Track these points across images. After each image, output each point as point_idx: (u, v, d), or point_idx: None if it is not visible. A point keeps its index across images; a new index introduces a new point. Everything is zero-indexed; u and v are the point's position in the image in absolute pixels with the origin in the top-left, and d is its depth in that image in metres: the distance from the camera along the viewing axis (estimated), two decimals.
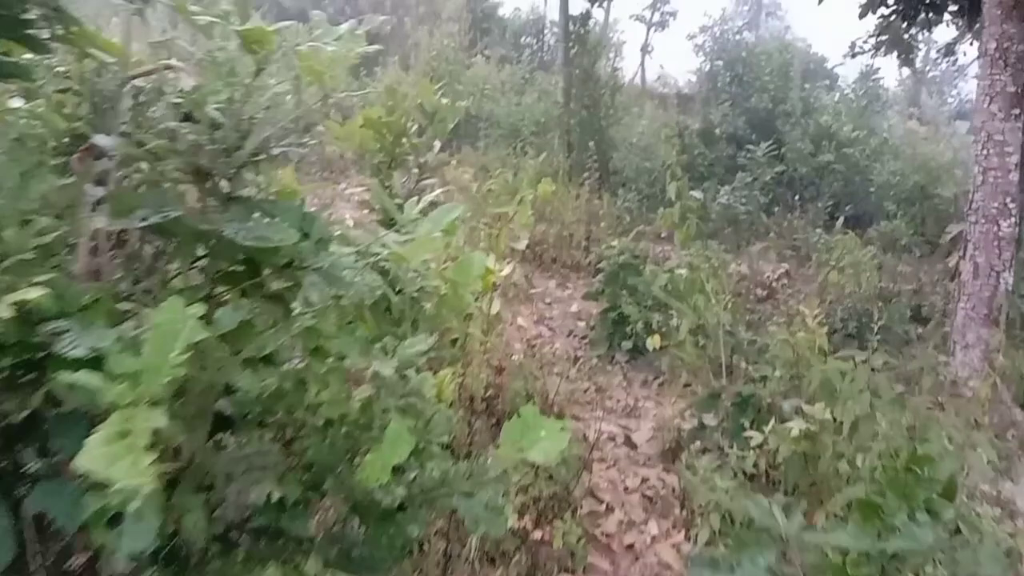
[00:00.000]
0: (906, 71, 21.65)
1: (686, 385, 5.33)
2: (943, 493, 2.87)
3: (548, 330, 7.17)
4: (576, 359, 6.36)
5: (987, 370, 5.23)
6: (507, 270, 4.63)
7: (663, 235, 9.99)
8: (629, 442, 4.88)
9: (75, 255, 2.11)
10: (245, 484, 1.89)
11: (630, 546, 3.77)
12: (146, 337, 1.57)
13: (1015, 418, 4.92)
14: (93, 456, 1.40)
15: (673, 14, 32.91)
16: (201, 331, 1.58)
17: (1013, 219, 5.69)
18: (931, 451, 2.91)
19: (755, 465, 3.90)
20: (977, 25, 9.96)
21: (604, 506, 4.07)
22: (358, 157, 5.89)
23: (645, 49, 32.37)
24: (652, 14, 32.64)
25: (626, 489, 4.27)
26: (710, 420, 4.46)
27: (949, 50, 12.80)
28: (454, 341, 3.86)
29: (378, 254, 2.51)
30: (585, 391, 5.62)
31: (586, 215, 10.21)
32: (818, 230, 11.68)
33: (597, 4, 16.47)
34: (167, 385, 1.53)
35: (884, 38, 11.93)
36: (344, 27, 1.92)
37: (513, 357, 5.16)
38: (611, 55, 17.67)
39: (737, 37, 23.54)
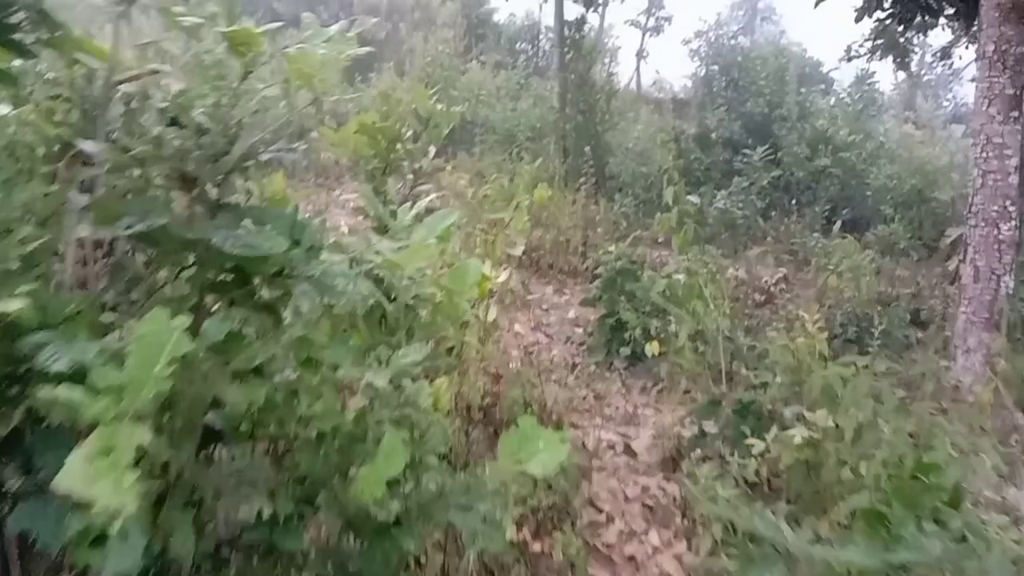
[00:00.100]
0: (901, 75, 21.66)
1: (685, 392, 5.28)
2: (949, 501, 2.83)
3: (545, 337, 7.11)
4: (574, 366, 6.29)
5: (989, 375, 5.18)
6: (503, 276, 4.58)
7: (660, 240, 9.96)
8: (629, 450, 4.81)
9: (63, 264, 2.06)
10: (235, 500, 1.83)
11: (631, 557, 3.71)
12: (130, 350, 1.51)
13: (1018, 423, 4.86)
14: (74, 475, 1.35)
15: (668, 19, 32.95)
16: (187, 343, 1.52)
17: (1013, 222, 5.64)
18: (936, 458, 2.87)
19: (757, 473, 3.85)
20: (974, 28, 9.96)
21: (604, 516, 4.00)
22: (353, 163, 5.85)
23: (640, 54, 32.38)
24: (647, 19, 32.66)
25: (626, 498, 4.21)
26: (710, 427, 4.41)
27: (945, 53, 12.79)
28: (450, 349, 3.80)
29: (372, 262, 2.46)
30: (583, 398, 5.56)
31: (583, 220, 10.15)
32: (815, 234, 11.63)
33: (592, 9, 16.48)
34: (152, 400, 1.48)
35: (880, 42, 11.91)
36: (334, 29, 1.86)
37: (510, 364, 5.11)
38: (606, 60, 17.64)
39: (732, 42, 23.51)
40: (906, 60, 12.56)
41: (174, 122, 1.85)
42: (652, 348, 5.80)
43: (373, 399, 2.20)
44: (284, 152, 2.05)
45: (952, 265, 7.61)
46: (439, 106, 5.79)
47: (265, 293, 1.97)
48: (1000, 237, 5.65)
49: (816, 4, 10.70)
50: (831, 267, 8.65)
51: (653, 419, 5.35)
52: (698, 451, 4.29)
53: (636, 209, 12.37)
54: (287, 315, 1.95)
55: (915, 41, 12.56)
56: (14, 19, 1.91)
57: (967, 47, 12.01)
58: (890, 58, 12.43)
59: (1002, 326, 5.65)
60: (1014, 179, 5.62)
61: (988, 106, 5.68)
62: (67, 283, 2.04)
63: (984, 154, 5.71)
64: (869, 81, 17.12)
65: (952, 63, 14.73)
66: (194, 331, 1.77)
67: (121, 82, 2.17)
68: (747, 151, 13.68)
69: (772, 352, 4.75)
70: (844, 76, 20.05)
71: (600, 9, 22.27)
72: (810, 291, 9.03)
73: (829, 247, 9.66)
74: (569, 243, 9.68)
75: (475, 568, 3.08)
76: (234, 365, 1.79)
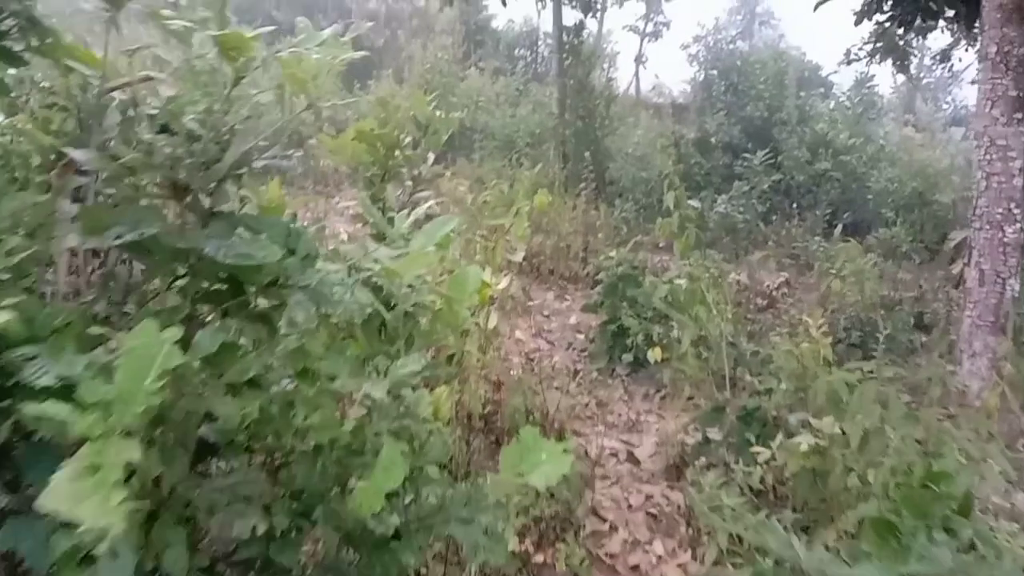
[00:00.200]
0: (900, 78, 21.62)
1: (689, 398, 5.23)
2: (959, 510, 2.78)
3: (547, 343, 7.06)
4: (576, 372, 6.25)
5: (995, 379, 5.12)
6: (504, 283, 4.53)
7: (661, 245, 9.91)
8: (632, 458, 4.77)
9: (56, 274, 2.02)
10: (229, 516, 1.78)
11: (635, 567, 3.65)
12: (119, 363, 1.47)
13: None
14: (59, 494, 1.30)
15: (667, 24, 32.97)
16: (178, 356, 1.47)
17: (1018, 224, 5.59)
18: (946, 466, 2.82)
19: (762, 481, 3.80)
20: (974, 30, 9.92)
21: (607, 525, 3.95)
22: (352, 170, 5.81)
23: (639, 59, 32.40)
24: (646, 24, 32.68)
25: (630, 507, 4.16)
26: (715, 434, 4.36)
27: (945, 56, 12.76)
28: (450, 357, 3.75)
29: (370, 270, 2.41)
30: (586, 405, 5.52)
31: (583, 226, 10.12)
32: (816, 238, 11.60)
33: (591, 15, 16.46)
34: (142, 414, 1.43)
35: (879, 45, 11.88)
36: (327, 32, 1.81)
37: (512, 372, 5.07)
38: (605, 65, 17.65)
39: (731, 46, 23.57)
40: (905, 63, 12.51)
41: (165, 129, 1.80)
42: (654, 354, 5.75)
43: (371, 410, 2.15)
44: (279, 159, 2.00)
45: (956, 268, 7.56)
46: (438, 112, 5.76)
47: (260, 303, 1.93)
48: (1005, 240, 5.61)
49: (816, 7, 10.67)
50: (833, 271, 8.61)
51: (656, 426, 5.31)
52: (702, 459, 4.24)
53: (637, 214, 12.34)
54: (283, 325, 1.90)
55: (914, 44, 12.52)
56: (3, 26, 1.88)
57: (967, 49, 11.98)
58: (889, 61, 12.38)
59: (1008, 330, 5.59)
60: (1018, 181, 5.57)
61: (991, 108, 5.63)
62: (59, 293, 2.00)
63: (988, 156, 5.66)
64: (868, 84, 17.11)
65: (952, 66, 14.72)
66: (186, 342, 1.72)
67: (113, 89, 2.13)
68: (747, 155, 13.65)
69: (776, 357, 4.71)
70: (843, 80, 20.07)
71: (598, 15, 22.29)
72: (812, 295, 8.99)
73: (832, 251, 9.62)
74: (570, 249, 9.64)
75: None
76: (227, 377, 1.74)
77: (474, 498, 2.24)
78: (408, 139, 5.04)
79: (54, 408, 1.38)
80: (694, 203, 7.69)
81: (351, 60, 1.96)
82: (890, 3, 10.41)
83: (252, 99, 1.84)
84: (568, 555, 3.43)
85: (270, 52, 1.83)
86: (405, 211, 2.76)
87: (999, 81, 5.58)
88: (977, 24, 7.24)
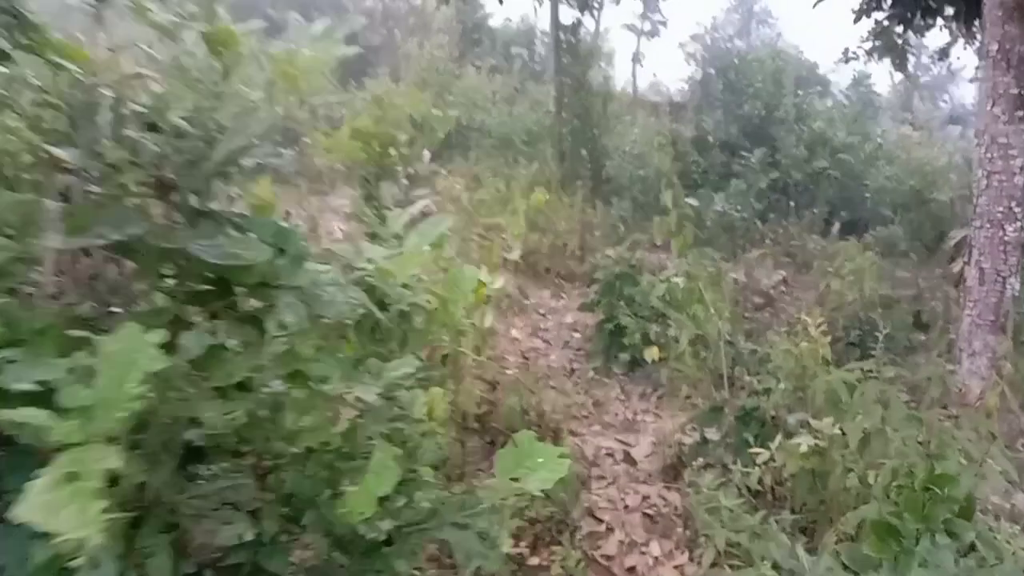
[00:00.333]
0: (898, 76, 21.61)
1: (686, 398, 5.19)
2: (961, 512, 2.74)
3: (543, 342, 7.01)
4: (572, 372, 6.22)
5: (995, 378, 5.08)
6: (500, 282, 4.49)
7: (658, 243, 9.84)
8: (628, 458, 4.73)
9: (42, 274, 1.97)
10: (215, 523, 1.74)
11: (631, 569, 3.62)
12: (101, 367, 1.42)
13: None
14: (35, 505, 1.25)
15: (664, 23, 32.91)
16: (161, 360, 1.43)
17: (1019, 223, 5.55)
18: (948, 469, 2.78)
19: (760, 481, 3.76)
20: (973, 28, 9.89)
21: (604, 526, 3.92)
22: (347, 168, 5.76)
23: (636, 58, 32.33)
24: (643, 23, 32.62)
25: (626, 508, 4.12)
26: (712, 435, 4.32)
27: (943, 54, 12.70)
28: (445, 357, 3.71)
29: (363, 269, 2.37)
30: (582, 405, 5.47)
31: (580, 224, 10.06)
32: (814, 236, 11.57)
33: (588, 13, 16.41)
34: (123, 420, 1.39)
35: (878, 43, 11.83)
36: (318, 27, 1.77)
37: (507, 371, 5.02)
38: (602, 64, 17.58)
39: (728, 45, 23.54)
40: (904, 61, 12.47)
41: (152, 127, 1.76)
42: (651, 353, 5.71)
43: (363, 413, 2.11)
44: (270, 157, 1.95)
45: (956, 267, 7.52)
46: (434, 111, 5.72)
47: (250, 303, 1.88)
48: (1005, 238, 5.57)
49: (815, 4, 10.64)
50: (831, 270, 8.57)
51: (653, 426, 5.27)
52: (700, 459, 4.20)
53: (634, 212, 12.28)
54: (272, 327, 1.86)
55: (912, 42, 12.48)
56: None
57: (965, 47, 11.94)
58: (887, 59, 12.34)
59: (1008, 329, 5.56)
60: (1019, 180, 5.53)
61: (992, 106, 5.59)
62: (45, 293, 1.95)
63: (989, 155, 5.62)
64: (866, 83, 17.08)
65: (950, 64, 14.69)
66: (173, 345, 1.68)
67: (100, 86, 2.08)
68: (745, 153, 13.61)
69: (774, 356, 4.67)
70: (840, 79, 20.06)
71: (596, 13, 22.21)
72: (810, 294, 8.95)
73: (830, 250, 9.59)
74: (566, 247, 9.59)
75: None
76: (214, 381, 1.70)
77: (468, 503, 2.20)
78: (404, 137, 5.00)
79: (32, 413, 1.34)
80: (692, 201, 7.66)
81: (346, 58, 1.92)
82: (890, 1, 10.38)
83: (241, 96, 1.79)
84: (564, 557, 3.39)
85: (260, 48, 1.79)
86: (398, 210, 2.72)
87: (1000, 79, 5.53)
88: (977, 22, 7.19)
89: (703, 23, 34.40)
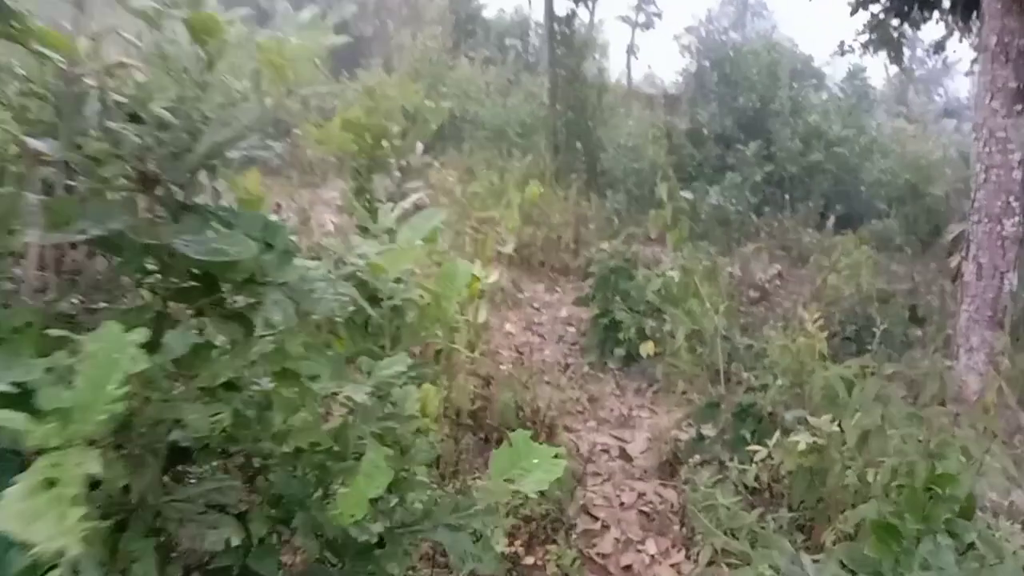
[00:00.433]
0: (893, 69, 21.59)
1: (682, 393, 5.15)
2: (961, 512, 2.71)
3: (537, 337, 6.97)
4: (567, 367, 6.17)
5: (992, 374, 5.05)
6: (494, 276, 4.44)
7: (653, 236, 9.80)
8: (624, 454, 4.69)
9: (26, 269, 1.91)
10: (201, 527, 1.69)
11: (627, 567, 3.58)
12: (80, 368, 1.36)
13: (1022, 423, 4.75)
14: (11, 513, 1.20)
15: (659, 14, 32.85)
16: (143, 360, 1.37)
17: (1017, 218, 5.51)
18: (949, 468, 2.75)
19: (757, 479, 3.72)
20: (970, 21, 9.84)
21: (599, 524, 3.87)
22: (339, 160, 5.71)
23: (631, 50, 32.26)
24: (637, 14, 32.55)
25: (622, 505, 4.08)
26: (709, 431, 4.28)
27: (939, 47, 12.66)
28: (438, 353, 3.66)
29: (354, 265, 2.32)
30: (576, 400, 5.43)
31: (574, 217, 10.01)
32: (809, 230, 11.54)
33: (582, 4, 16.33)
34: (104, 422, 1.33)
35: (874, 36, 11.79)
36: (306, 14, 1.71)
37: (502, 367, 4.97)
38: (597, 55, 17.51)
39: (723, 37, 23.48)
40: (899, 55, 12.44)
41: (134, 117, 1.70)
42: (647, 348, 5.67)
43: (354, 412, 2.06)
44: (257, 149, 1.89)
45: (954, 262, 7.48)
46: (427, 102, 5.65)
47: (237, 300, 1.83)
48: (1003, 233, 5.53)
49: None
50: (827, 264, 8.54)
51: (648, 422, 5.23)
52: (696, 456, 4.16)
53: (628, 205, 12.24)
54: (260, 324, 1.80)
55: (907, 35, 12.44)
56: None
57: (961, 40, 11.90)
58: (883, 53, 12.30)
59: (1005, 324, 5.52)
60: (1017, 174, 5.49)
61: (991, 100, 5.55)
62: (28, 288, 1.89)
63: (987, 149, 5.58)
64: (861, 76, 17.05)
65: (946, 57, 14.67)
66: (156, 344, 1.62)
67: (80, 75, 2.01)
68: (740, 146, 13.57)
69: (771, 352, 4.63)
70: (835, 71, 20.01)
71: (590, 4, 22.12)
72: (805, 288, 8.92)
73: (826, 244, 9.56)
74: (561, 240, 9.54)
75: None
76: (200, 381, 1.64)
77: (462, 504, 2.15)
78: (396, 129, 4.94)
79: (8, 416, 1.28)
80: (686, 194, 7.62)
81: (338, 48, 1.86)
82: None
83: (227, 86, 1.73)
84: (559, 556, 3.35)
85: (247, 36, 1.72)
86: (390, 204, 2.66)
87: (999, 72, 5.49)
88: (974, 15, 7.14)
89: (698, 15, 34.45)
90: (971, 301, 5.65)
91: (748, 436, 3.96)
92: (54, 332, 1.54)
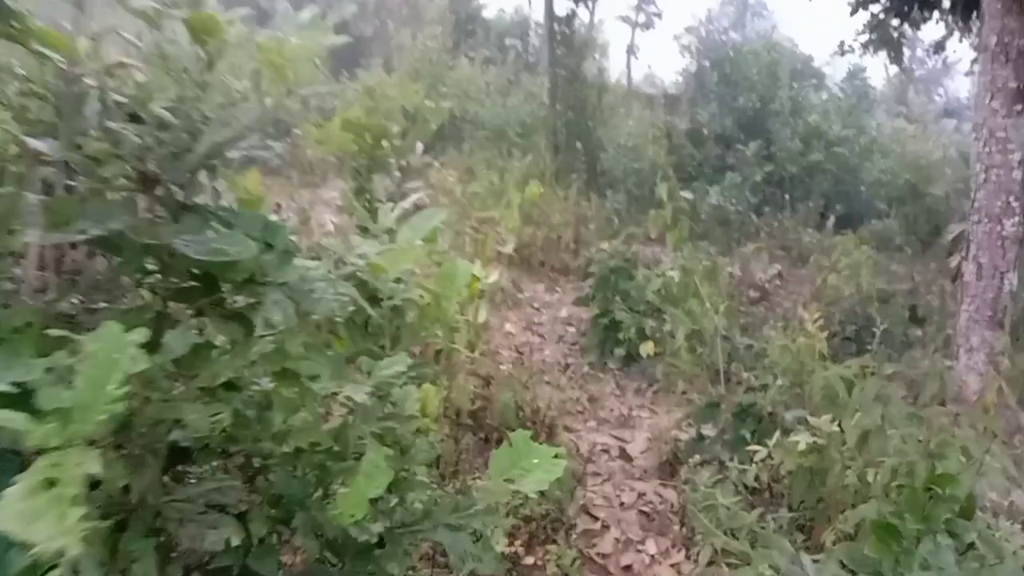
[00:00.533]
0: (893, 69, 21.58)
1: (682, 393, 5.15)
2: (961, 512, 2.71)
3: (537, 337, 6.96)
4: (567, 366, 6.17)
5: (992, 374, 5.05)
6: (494, 276, 4.44)
7: (653, 236, 9.80)
8: (624, 454, 4.68)
9: (25, 269, 1.91)
10: (201, 527, 1.69)
11: (628, 567, 3.58)
12: (80, 368, 1.36)
13: (1022, 423, 4.75)
14: (11, 513, 1.20)
15: (659, 14, 32.84)
16: (143, 360, 1.37)
17: (1017, 218, 5.51)
18: (950, 468, 2.75)
19: (757, 479, 3.72)
20: (970, 21, 9.84)
21: (599, 524, 3.87)
22: (340, 160, 5.71)
23: (631, 50, 32.25)
24: (637, 14, 32.54)
25: (622, 505, 4.08)
26: (709, 431, 4.28)
27: (939, 47, 12.66)
28: (438, 353, 3.66)
29: (354, 265, 2.32)
30: (576, 400, 5.42)
31: (574, 217, 10.01)
32: (809, 230, 11.54)
33: (582, 4, 16.32)
34: (104, 422, 1.33)
35: (874, 36, 11.78)
36: (306, 14, 1.71)
37: (501, 366, 4.97)
38: (597, 55, 17.50)
39: (723, 37, 23.47)
40: (899, 55, 12.43)
41: (134, 118, 1.70)
42: (647, 348, 5.67)
43: (354, 412, 2.06)
44: (257, 149, 1.89)
45: (954, 262, 7.47)
46: (427, 102, 5.65)
47: (237, 300, 1.83)
48: (1003, 233, 5.53)
49: None
50: (826, 264, 8.54)
51: (648, 422, 5.22)
52: (696, 456, 4.16)
53: (628, 205, 12.24)
54: (260, 324, 1.80)
55: (907, 35, 12.44)
56: None
57: (960, 40, 11.90)
58: (883, 53, 12.29)
59: (1005, 324, 5.52)
60: (1018, 174, 5.49)
61: (991, 100, 5.54)
62: (29, 288, 1.89)
63: (987, 149, 5.57)
64: (861, 76, 17.04)
65: (946, 57, 14.67)
66: (157, 344, 1.62)
67: (81, 75, 2.01)
68: (740, 146, 13.56)
69: (771, 352, 4.63)
70: (835, 71, 20.01)
71: (590, 4, 22.12)
72: (805, 288, 8.91)
73: (826, 243, 9.55)
74: (560, 240, 9.54)
75: None
76: (200, 381, 1.64)
77: (462, 504, 2.15)
78: (396, 129, 4.94)
79: (8, 416, 1.28)
80: (686, 194, 7.62)
81: (339, 48, 1.86)
82: None
83: (226, 86, 1.73)
84: (559, 556, 3.35)
85: (247, 36, 1.72)
86: (390, 204, 2.66)
87: (999, 72, 5.48)
88: (974, 15, 7.13)
89: (698, 15, 34.43)
90: (971, 301, 5.64)
91: (748, 436, 3.96)
92: (54, 332, 1.55)
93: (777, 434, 3.61)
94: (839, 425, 3.43)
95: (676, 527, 3.88)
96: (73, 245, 2.04)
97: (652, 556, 3.67)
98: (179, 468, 1.90)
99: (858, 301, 7.42)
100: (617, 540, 3.77)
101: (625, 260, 6.91)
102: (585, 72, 14.33)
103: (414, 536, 2.12)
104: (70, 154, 1.71)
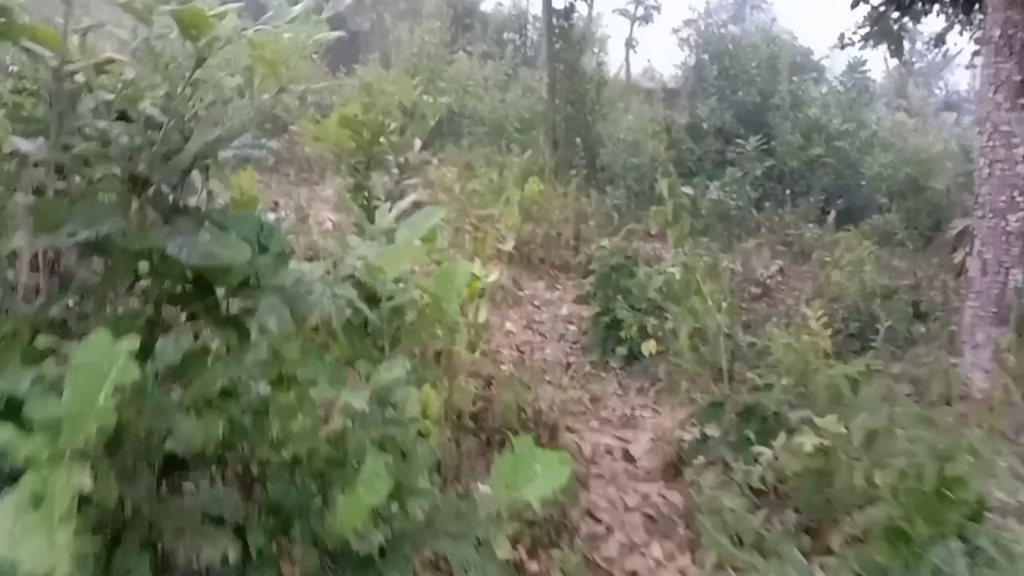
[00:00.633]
0: (893, 63, 21.52)
1: (685, 393, 5.09)
2: (972, 515, 2.66)
3: (538, 335, 6.91)
4: (568, 366, 6.11)
5: (998, 371, 5.00)
6: (494, 275, 4.38)
7: (653, 233, 9.74)
8: (627, 456, 4.63)
9: (19, 273, 1.86)
10: (197, 540, 1.63)
11: (633, 572, 3.52)
12: (69, 378, 1.31)
13: None
14: None
15: (657, 8, 32.70)
16: (134, 370, 1.32)
17: (1022, 213, 5.45)
18: (959, 470, 2.70)
19: (762, 480, 3.66)
20: (970, 14, 9.78)
21: (603, 527, 3.81)
22: (337, 157, 5.65)
23: (630, 43, 32.15)
24: (635, 8, 32.41)
25: (626, 507, 4.02)
26: (712, 431, 4.22)
27: (939, 40, 12.59)
28: (438, 354, 3.61)
29: (352, 266, 2.27)
30: (578, 400, 5.37)
31: (574, 214, 9.94)
32: (810, 225, 11.48)
33: None
34: (94, 435, 1.28)
35: (875, 29, 11.72)
36: (298, 8, 1.65)
37: (502, 367, 4.92)
38: (595, 49, 17.45)
39: (722, 30, 23.37)
40: (900, 48, 12.36)
41: (123, 116, 1.64)
42: (649, 347, 5.62)
43: (353, 419, 2.01)
44: (250, 148, 1.84)
45: (958, 258, 7.43)
46: (425, 97, 5.59)
47: (233, 305, 1.78)
48: (1008, 228, 5.47)
49: None
50: (828, 259, 8.49)
51: (651, 422, 5.17)
52: (700, 457, 4.10)
53: (628, 201, 12.18)
54: (255, 329, 1.75)
55: (907, 28, 12.37)
56: None
57: (961, 33, 11.84)
58: (883, 46, 12.23)
59: (1011, 320, 5.47)
60: (1022, 168, 5.43)
61: (994, 93, 5.49)
62: (21, 292, 1.84)
63: (991, 143, 5.52)
64: (861, 69, 16.98)
65: (946, 50, 14.59)
66: (149, 351, 1.57)
67: (71, 73, 1.96)
68: (740, 141, 13.50)
69: (774, 350, 4.57)
70: (835, 65, 19.95)
71: None
72: (807, 283, 8.86)
73: (827, 239, 9.50)
74: (561, 237, 9.48)
75: None
76: (193, 390, 1.59)
77: (464, 511, 2.10)
78: (394, 125, 4.88)
79: None
80: (686, 190, 7.55)
81: (335, 43, 1.81)
82: None
83: (219, 83, 1.68)
84: (563, 562, 3.29)
85: (238, 31, 1.67)
86: (387, 204, 2.61)
87: (1002, 65, 5.43)
88: (976, 7, 7.07)
89: (696, 8, 34.25)
90: (976, 297, 5.60)
91: (752, 436, 3.90)
92: (43, 340, 1.50)
93: (782, 434, 3.56)
94: (845, 425, 3.38)
95: (681, 530, 3.83)
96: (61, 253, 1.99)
97: (657, 560, 3.61)
98: (174, 478, 1.86)
99: (861, 297, 7.36)
100: (622, 544, 3.71)
101: (626, 257, 6.85)
102: (584, 66, 14.27)
103: (415, 545, 2.07)
104: (59, 155, 1.66)
